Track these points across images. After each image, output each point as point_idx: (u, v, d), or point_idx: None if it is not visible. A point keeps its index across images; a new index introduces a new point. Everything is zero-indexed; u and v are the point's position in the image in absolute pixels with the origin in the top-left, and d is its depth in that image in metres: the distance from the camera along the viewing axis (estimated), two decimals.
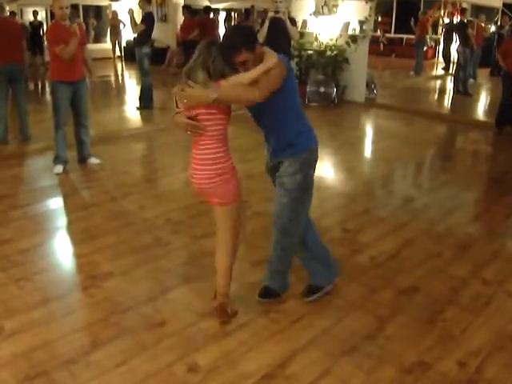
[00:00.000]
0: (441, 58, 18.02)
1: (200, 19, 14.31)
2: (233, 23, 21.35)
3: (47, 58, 7.38)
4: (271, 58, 3.19)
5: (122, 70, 17.55)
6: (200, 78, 3.17)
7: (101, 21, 20.03)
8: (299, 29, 11.35)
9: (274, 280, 3.86)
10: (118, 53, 18.72)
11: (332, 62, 11.52)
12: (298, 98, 3.53)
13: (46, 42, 7.32)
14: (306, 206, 3.64)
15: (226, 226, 3.51)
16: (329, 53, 11.64)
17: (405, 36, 20.27)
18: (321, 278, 3.92)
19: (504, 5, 16.47)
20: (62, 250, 4.84)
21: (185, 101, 3.22)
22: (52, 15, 6.93)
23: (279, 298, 3.87)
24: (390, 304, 3.88)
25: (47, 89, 12.55)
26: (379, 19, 20.65)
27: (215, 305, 3.62)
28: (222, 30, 18.15)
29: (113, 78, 16.09)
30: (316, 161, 3.65)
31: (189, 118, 3.25)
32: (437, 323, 3.68)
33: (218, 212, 3.49)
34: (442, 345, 3.44)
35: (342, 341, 3.44)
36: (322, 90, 11.32)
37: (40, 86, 12.54)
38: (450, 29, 16.51)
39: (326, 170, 7.23)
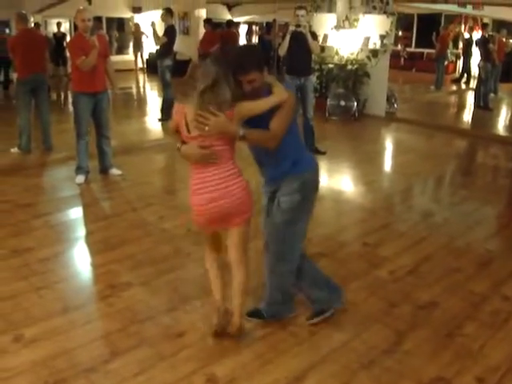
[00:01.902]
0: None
1: (221, 32, 14.45)
2: (254, 37, 21.52)
3: (70, 69, 7.48)
4: (282, 90, 3.16)
5: (144, 82, 17.71)
6: (226, 104, 3.06)
7: (123, 33, 20.25)
8: (320, 43, 11.38)
9: (270, 307, 3.78)
10: (140, 65, 18.88)
11: (353, 76, 11.53)
12: (297, 126, 3.50)
13: (68, 54, 7.43)
14: (302, 230, 3.55)
15: (244, 246, 3.46)
16: (349, 67, 11.65)
17: (425, 50, 20.20)
18: (324, 303, 3.79)
19: None
20: (82, 260, 4.88)
21: (206, 128, 3.06)
22: (75, 27, 7.01)
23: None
24: (408, 318, 3.87)
25: (70, 99, 12.69)
26: (400, 33, 20.62)
27: (230, 328, 3.54)
28: (243, 43, 18.31)
29: (135, 90, 16.23)
30: (318, 183, 3.55)
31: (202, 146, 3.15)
32: (455, 338, 3.65)
33: (236, 234, 3.41)
34: (461, 360, 3.42)
35: (360, 355, 3.43)
36: (342, 103, 11.32)
37: (63, 97, 12.70)
38: (470, 43, 16.47)
39: (346, 183, 7.23)
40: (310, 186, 3.48)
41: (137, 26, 18.46)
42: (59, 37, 15.19)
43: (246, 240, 3.44)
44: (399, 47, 20.47)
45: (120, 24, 20.31)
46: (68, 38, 15.07)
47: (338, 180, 7.29)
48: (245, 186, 3.28)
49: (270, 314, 3.75)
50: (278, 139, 3.15)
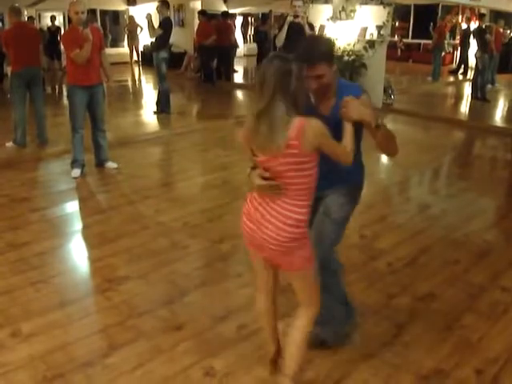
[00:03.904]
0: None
1: (217, 24, 14.40)
2: (249, 28, 21.46)
3: (65, 62, 7.43)
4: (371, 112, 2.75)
5: (140, 75, 17.64)
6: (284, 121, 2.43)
7: (118, 25, 20.17)
8: (317, 34, 11.34)
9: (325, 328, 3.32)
10: (135, 57, 18.82)
11: (349, 67, 11.49)
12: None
13: (62, 47, 7.37)
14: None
15: (309, 289, 2.80)
16: (346, 58, 11.62)
17: (422, 41, 20.19)
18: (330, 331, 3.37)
19: None
20: (78, 254, 4.87)
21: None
22: (69, 20, 6.96)
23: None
24: (407, 310, 3.86)
25: (65, 93, 12.65)
26: (397, 24, 20.61)
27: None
28: (238, 35, 18.25)
29: (130, 83, 16.18)
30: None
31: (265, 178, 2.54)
32: (454, 330, 3.65)
33: (291, 275, 2.81)
34: (460, 352, 3.41)
35: (359, 347, 3.42)
36: None
37: (57, 90, 12.65)
38: (467, 34, 16.44)
39: None
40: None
41: (131, 18, 18.38)
42: (53, 30, 15.10)
43: (309, 282, 2.78)
44: (396, 38, 20.46)
45: (115, 16, 20.24)
46: (62, 32, 14.99)
47: None
48: (304, 237, 2.62)
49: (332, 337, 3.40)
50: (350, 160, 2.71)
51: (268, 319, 2.99)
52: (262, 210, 2.60)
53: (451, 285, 4.26)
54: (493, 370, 3.25)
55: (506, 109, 13.11)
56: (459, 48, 18.19)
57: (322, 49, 2.77)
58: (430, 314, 3.84)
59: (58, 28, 15.61)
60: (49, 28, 15.40)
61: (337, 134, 2.62)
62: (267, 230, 2.57)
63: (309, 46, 2.80)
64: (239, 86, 15.01)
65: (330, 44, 2.95)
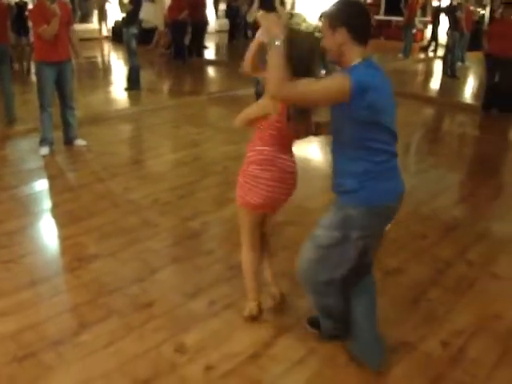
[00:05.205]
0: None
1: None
2: (221, 3, 21.22)
3: (32, 38, 7.29)
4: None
5: (109, 51, 17.38)
6: None
7: (87, 0, 19.77)
8: (288, 9, 11.29)
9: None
10: (105, 33, 18.51)
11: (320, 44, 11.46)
12: (388, 133, 2.75)
13: (30, 23, 7.21)
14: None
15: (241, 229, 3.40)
16: (317, 34, 11.55)
17: (394, 18, 20.19)
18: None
19: None
20: (48, 232, 4.83)
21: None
22: None
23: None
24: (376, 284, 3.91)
25: (33, 70, 12.43)
26: (368, 1, 20.56)
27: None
28: (210, 10, 18.03)
29: (100, 59, 15.93)
30: (367, 224, 2.84)
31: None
32: (421, 304, 3.73)
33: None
34: (426, 325, 3.49)
35: None
36: None
37: (26, 67, 12.39)
38: (438, 11, 16.49)
39: (313, 151, 7.24)
40: (355, 225, 2.82)
41: None
42: (21, 5, 14.72)
43: (240, 223, 3.37)
44: None
45: None
46: (30, 7, 14.65)
47: (305, 149, 7.30)
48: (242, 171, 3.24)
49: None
50: (276, 91, 2.61)
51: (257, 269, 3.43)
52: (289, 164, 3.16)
53: (418, 259, 4.34)
54: (459, 342, 3.34)
55: (475, 86, 13.23)
56: (430, 25, 18.24)
57: (334, 6, 2.68)
58: (397, 288, 3.92)
59: (26, 3, 15.22)
60: (16, 3, 15.02)
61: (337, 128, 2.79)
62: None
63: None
64: (211, 63, 14.89)
65: (343, 7, 2.67)
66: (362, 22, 2.66)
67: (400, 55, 16.29)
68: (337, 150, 2.84)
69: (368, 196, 2.76)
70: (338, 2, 2.70)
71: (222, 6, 20.76)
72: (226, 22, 18.97)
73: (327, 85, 2.64)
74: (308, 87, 2.63)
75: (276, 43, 2.59)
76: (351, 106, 2.55)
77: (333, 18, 2.65)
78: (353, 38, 2.61)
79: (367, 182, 2.74)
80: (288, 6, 11.12)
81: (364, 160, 2.71)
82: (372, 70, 2.67)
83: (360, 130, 2.65)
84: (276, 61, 2.58)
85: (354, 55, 2.64)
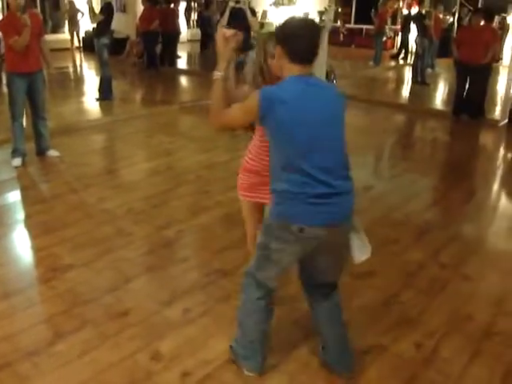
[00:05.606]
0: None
1: (160, 10, 14.23)
2: (193, 13, 21.28)
3: (3, 49, 7.23)
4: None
5: (81, 61, 17.28)
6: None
7: (58, 11, 19.65)
8: (259, 19, 11.36)
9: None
10: (76, 43, 18.42)
11: None
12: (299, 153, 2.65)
13: (0, 34, 7.15)
14: None
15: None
16: None
17: (364, 26, 20.43)
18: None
19: None
20: (22, 244, 4.79)
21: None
22: (8, 5, 6.79)
23: None
24: (345, 288, 3.91)
25: (4, 80, 12.33)
26: (339, 10, 20.77)
27: None
28: (182, 20, 18.05)
29: (71, 69, 15.81)
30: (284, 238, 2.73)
31: None
32: (393, 306, 3.78)
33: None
34: (399, 327, 3.54)
35: (300, 326, 3.51)
36: None
37: None
38: (408, 19, 16.73)
39: None
40: (274, 235, 2.76)
41: (72, 3, 17.94)
42: None
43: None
44: (339, 23, 20.63)
45: (55, 2, 19.68)
46: (0, 18, 14.54)
47: None
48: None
49: None
50: (213, 122, 2.77)
51: None
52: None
53: (390, 263, 4.40)
54: (432, 343, 3.39)
55: (445, 92, 13.44)
56: (400, 33, 18.50)
57: (281, 23, 2.76)
58: (369, 291, 3.97)
59: None
60: None
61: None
62: None
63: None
64: (183, 72, 14.90)
65: (283, 26, 2.75)
66: (298, 43, 2.63)
67: (371, 63, 16.48)
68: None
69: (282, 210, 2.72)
70: (286, 19, 2.77)
71: (194, 16, 20.82)
72: (197, 31, 19.00)
73: (244, 104, 2.66)
74: (232, 111, 2.70)
75: (214, 77, 2.73)
76: (262, 122, 2.66)
77: (275, 35, 2.74)
78: (288, 57, 2.64)
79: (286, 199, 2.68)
80: (259, 16, 11.18)
81: (283, 181, 2.67)
82: (296, 85, 2.64)
83: (276, 149, 2.70)
84: (214, 94, 2.72)
85: (290, 72, 2.67)
